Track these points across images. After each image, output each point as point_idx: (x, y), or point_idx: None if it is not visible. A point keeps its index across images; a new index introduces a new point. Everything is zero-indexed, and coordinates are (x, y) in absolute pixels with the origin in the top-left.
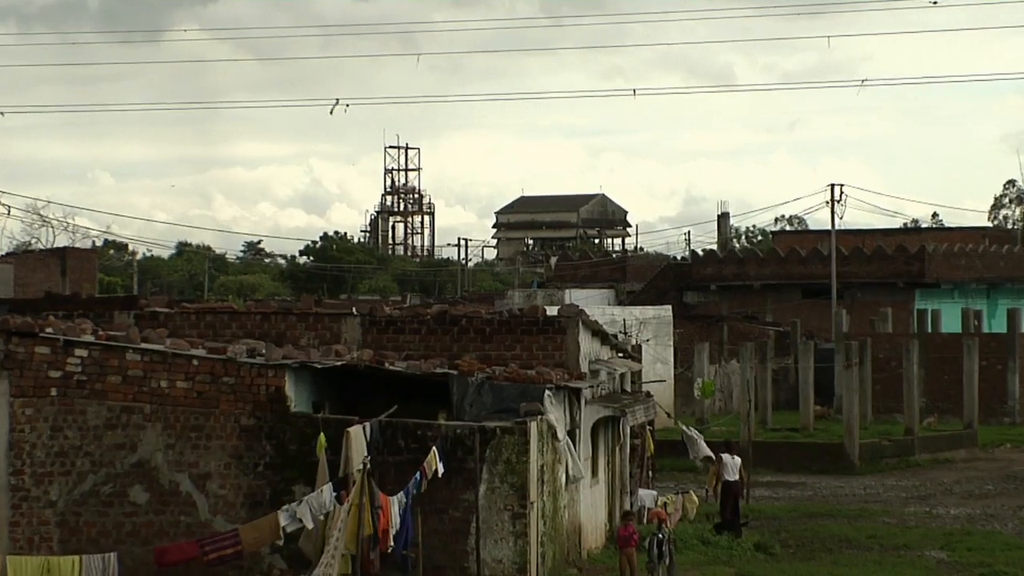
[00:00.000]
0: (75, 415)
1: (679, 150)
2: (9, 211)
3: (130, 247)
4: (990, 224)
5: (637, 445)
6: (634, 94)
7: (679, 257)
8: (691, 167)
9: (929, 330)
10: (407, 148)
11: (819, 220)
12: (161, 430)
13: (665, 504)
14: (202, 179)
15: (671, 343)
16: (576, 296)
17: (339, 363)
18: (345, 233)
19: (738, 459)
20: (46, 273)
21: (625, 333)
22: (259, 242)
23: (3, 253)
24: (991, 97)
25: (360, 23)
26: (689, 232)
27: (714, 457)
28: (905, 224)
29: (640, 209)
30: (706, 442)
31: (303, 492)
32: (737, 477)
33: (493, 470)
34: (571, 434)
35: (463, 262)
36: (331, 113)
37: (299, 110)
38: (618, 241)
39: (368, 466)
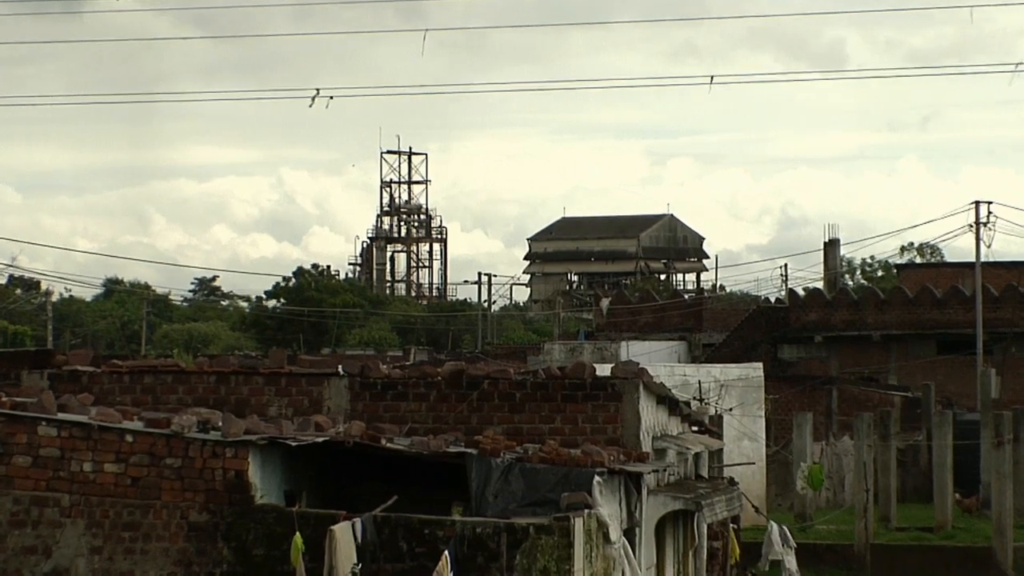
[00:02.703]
0: None
1: (771, 156)
2: None
3: (43, 285)
4: None
5: (717, 549)
6: (711, 82)
7: (773, 299)
8: (788, 178)
9: None
10: (410, 153)
11: (959, 249)
12: (84, 528)
13: None
14: (137, 194)
15: (762, 413)
16: (635, 351)
17: (320, 440)
18: (328, 267)
19: None
20: None
21: (701, 400)
22: (213, 279)
23: None
24: None
25: None
26: (786, 265)
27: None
28: None
29: (720, 235)
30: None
31: None
32: None
33: None
34: (628, 534)
35: (485, 305)
36: (310, 106)
37: (266, 103)
38: (691, 277)
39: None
